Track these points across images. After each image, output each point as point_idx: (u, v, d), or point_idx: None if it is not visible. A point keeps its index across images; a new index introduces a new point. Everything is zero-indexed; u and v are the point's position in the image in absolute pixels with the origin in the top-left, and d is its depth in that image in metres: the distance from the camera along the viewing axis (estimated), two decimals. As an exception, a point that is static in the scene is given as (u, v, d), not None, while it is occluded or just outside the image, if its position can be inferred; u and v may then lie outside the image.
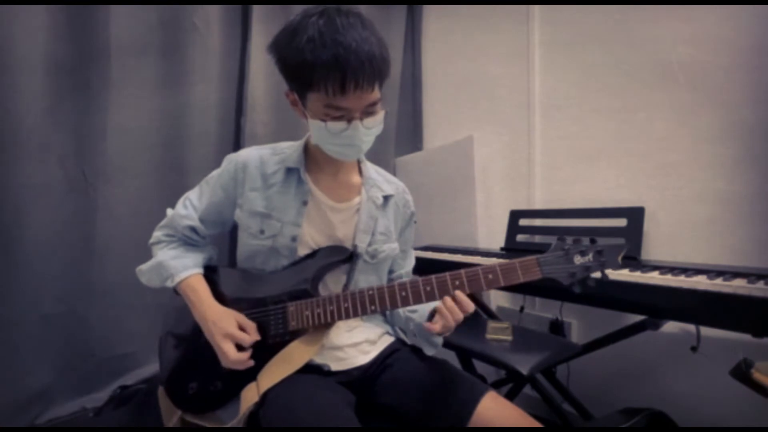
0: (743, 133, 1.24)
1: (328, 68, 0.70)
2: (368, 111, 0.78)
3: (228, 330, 0.77)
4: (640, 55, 1.44)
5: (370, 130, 0.80)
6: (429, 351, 0.89)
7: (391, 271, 1.02)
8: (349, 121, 0.77)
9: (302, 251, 0.87)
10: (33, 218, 1.26)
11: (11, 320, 1.23)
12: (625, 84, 1.47)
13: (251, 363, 0.78)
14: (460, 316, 0.75)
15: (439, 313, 0.76)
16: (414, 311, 0.90)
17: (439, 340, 0.88)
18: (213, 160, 1.55)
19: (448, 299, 0.75)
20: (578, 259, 0.75)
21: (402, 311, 0.93)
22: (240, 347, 0.77)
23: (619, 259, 0.76)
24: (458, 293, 0.75)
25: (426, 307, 0.85)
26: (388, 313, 1.01)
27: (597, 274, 0.77)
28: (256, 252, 0.87)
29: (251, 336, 0.79)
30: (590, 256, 0.75)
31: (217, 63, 1.61)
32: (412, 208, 1.03)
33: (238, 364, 0.77)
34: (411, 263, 1.06)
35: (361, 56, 0.71)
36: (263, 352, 0.80)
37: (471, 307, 0.75)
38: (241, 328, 0.79)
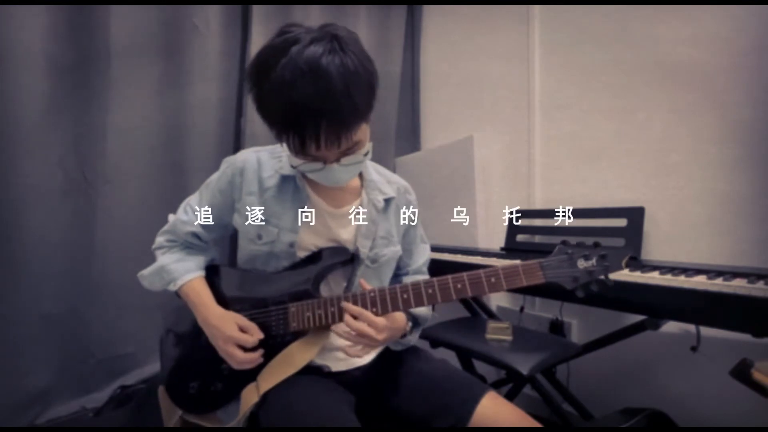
0: (743, 133, 1.23)
1: (287, 128, 0.67)
2: (346, 153, 0.72)
3: (229, 333, 0.77)
4: (640, 55, 1.43)
5: (348, 167, 0.75)
6: (395, 346, 0.90)
7: (399, 268, 0.99)
8: (325, 162, 0.73)
9: (302, 256, 0.86)
10: (33, 218, 1.26)
11: (11, 320, 1.24)
12: (625, 84, 1.47)
13: (260, 360, 0.78)
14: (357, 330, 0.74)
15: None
16: None
17: (406, 340, 0.88)
18: (213, 160, 1.55)
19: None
20: (582, 264, 0.73)
21: None
22: (245, 348, 0.77)
23: (623, 263, 0.74)
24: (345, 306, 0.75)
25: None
26: None
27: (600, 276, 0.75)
28: (255, 256, 0.87)
29: (253, 336, 0.78)
30: (594, 261, 0.73)
31: (217, 63, 1.61)
32: (414, 209, 1.00)
33: (246, 364, 0.77)
34: (419, 259, 1.02)
35: (324, 116, 0.65)
36: (264, 352, 0.79)
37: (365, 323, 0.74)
38: (243, 330, 0.79)
